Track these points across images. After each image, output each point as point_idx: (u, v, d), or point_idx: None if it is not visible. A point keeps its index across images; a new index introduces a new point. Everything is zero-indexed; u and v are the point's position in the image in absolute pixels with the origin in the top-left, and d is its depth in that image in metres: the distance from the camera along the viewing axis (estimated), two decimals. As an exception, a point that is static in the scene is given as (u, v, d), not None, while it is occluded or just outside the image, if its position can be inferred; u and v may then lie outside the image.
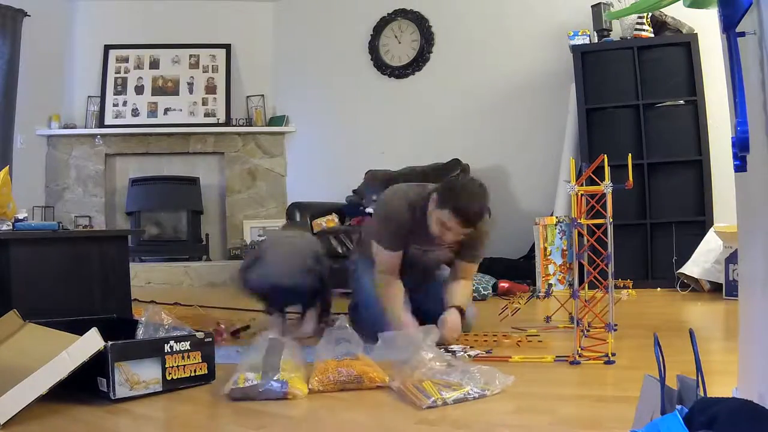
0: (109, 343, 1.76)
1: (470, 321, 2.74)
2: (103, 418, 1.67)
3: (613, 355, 2.11)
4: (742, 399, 1.02)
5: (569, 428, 1.51)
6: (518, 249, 4.89)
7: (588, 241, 2.22)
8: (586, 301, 2.28)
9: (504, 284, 4.21)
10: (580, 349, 2.15)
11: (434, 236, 2.54)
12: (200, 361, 1.94)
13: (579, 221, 2.18)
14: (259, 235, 5.98)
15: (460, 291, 2.70)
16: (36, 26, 5.66)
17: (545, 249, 4.44)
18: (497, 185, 5.30)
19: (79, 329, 1.81)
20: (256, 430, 1.56)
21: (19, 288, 2.69)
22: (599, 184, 2.11)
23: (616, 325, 2.19)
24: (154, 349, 1.85)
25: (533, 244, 4.54)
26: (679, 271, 3.98)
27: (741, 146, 0.95)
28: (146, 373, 1.81)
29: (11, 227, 2.78)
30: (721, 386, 1.42)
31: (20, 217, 2.91)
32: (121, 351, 1.77)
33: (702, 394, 1.03)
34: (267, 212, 6.18)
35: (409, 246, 2.67)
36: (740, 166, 0.98)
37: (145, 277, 5.50)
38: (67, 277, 2.86)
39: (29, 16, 5.59)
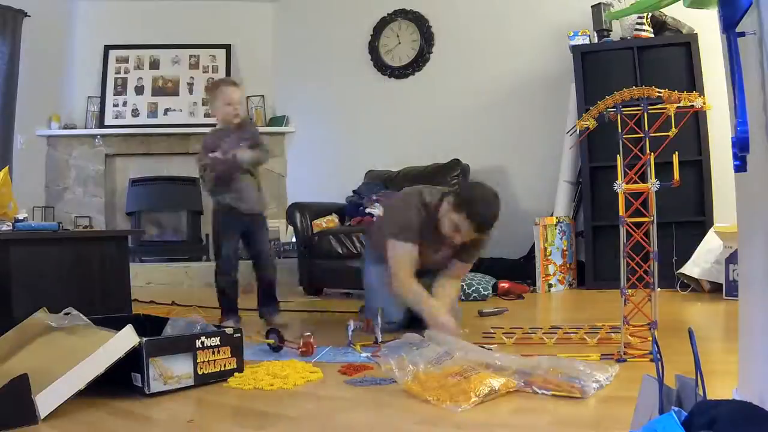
0: (144, 339, 1.81)
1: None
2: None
3: None
4: (742, 401, 1.02)
5: (569, 428, 1.51)
6: (518, 249, 4.89)
7: (633, 237, 2.29)
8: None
9: (504, 284, 4.20)
10: (625, 347, 2.17)
11: (443, 236, 2.69)
12: (230, 355, 2.01)
13: (625, 218, 2.26)
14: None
15: (451, 293, 2.87)
16: (36, 26, 5.65)
17: (545, 249, 4.44)
18: (497, 185, 5.25)
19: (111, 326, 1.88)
20: (256, 430, 1.56)
21: (19, 288, 2.69)
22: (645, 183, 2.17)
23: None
24: (186, 345, 1.92)
25: (533, 245, 4.54)
26: (679, 271, 3.98)
27: (741, 146, 0.95)
28: (179, 368, 1.88)
29: (11, 227, 2.78)
30: (721, 386, 1.42)
31: (20, 217, 2.91)
32: (155, 347, 1.83)
33: (701, 393, 1.03)
34: (267, 212, 6.16)
35: (422, 242, 2.79)
36: (740, 166, 0.98)
37: (145, 277, 5.50)
38: (67, 277, 2.87)
39: (29, 16, 5.59)
